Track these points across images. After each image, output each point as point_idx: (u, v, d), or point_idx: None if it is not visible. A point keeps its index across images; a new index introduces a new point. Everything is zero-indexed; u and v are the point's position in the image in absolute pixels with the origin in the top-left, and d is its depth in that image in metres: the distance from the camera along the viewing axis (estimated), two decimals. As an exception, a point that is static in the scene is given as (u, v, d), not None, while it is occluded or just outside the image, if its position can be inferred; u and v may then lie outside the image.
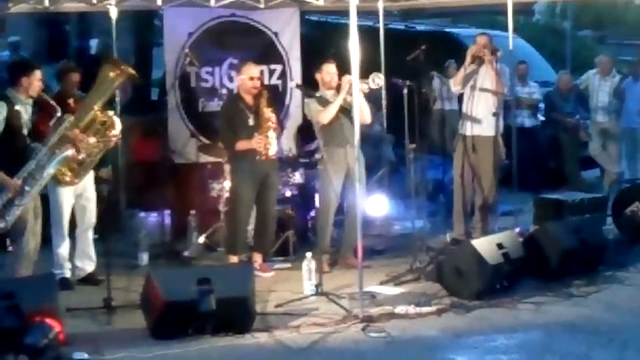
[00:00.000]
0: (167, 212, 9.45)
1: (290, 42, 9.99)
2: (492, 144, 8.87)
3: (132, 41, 14.02)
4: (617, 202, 9.45)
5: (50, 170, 7.20)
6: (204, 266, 8.23)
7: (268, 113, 8.12)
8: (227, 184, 8.60)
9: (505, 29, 10.18)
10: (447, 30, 15.05)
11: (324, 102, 8.26)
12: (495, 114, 8.84)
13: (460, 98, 9.49)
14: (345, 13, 7.55)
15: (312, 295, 7.34)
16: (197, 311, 6.33)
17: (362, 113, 8.06)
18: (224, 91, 9.53)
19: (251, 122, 8.12)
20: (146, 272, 7.03)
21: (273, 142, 8.15)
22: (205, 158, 9.34)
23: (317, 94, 8.36)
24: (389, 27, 11.36)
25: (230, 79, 9.55)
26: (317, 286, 7.35)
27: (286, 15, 9.99)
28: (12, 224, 7.08)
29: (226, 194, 8.64)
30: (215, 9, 9.45)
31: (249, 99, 8.20)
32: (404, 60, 9.25)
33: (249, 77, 8.19)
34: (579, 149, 12.32)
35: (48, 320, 5.98)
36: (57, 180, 7.54)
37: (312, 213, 9.12)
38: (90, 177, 7.86)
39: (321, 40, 12.33)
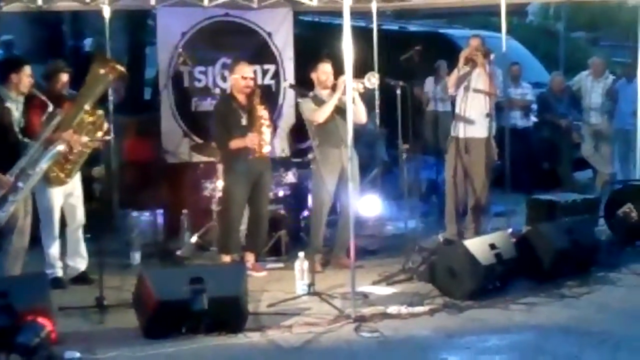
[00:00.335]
0: (160, 211, 9.42)
1: (283, 42, 9.99)
2: (485, 145, 8.88)
3: (125, 40, 14.02)
4: (609, 203, 9.45)
5: (43, 165, 7.18)
6: (196, 266, 8.22)
7: (261, 110, 8.11)
8: (219, 183, 8.58)
9: (499, 30, 10.17)
10: (440, 31, 15.07)
11: (319, 102, 8.25)
12: (488, 116, 8.85)
13: (453, 100, 9.49)
14: (338, 13, 7.53)
15: (304, 295, 7.33)
16: (189, 310, 6.32)
17: (358, 113, 8.07)
18: (217, 91, 9.50)
19: (244, 121, 8.11)
20: (139, 271, 7.03)
21: (267, 139, 8.14)
22: (198, 157, 9.32)
23: (312, 94, 8.34)
24: (383, 27, 11.36)
25: (224, 79, 9.54)
26: (309, 286, 7.35)
27: (280, 16, 9.99)
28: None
29: (219, 194, 8.61)
30: (209, 9, 9.43)
31: (242, 99, 8.19)
32: (398, 60, 9.25)
33: (241, 76, 8.18)
34: (571, 150, 12.30)
35: (40, 319, 5.94)
36: (47, 181, 7.51)
37: (305, 213, 9.14)
38: (77, 176, 7.84)
39: (314, 41, 12.32)
